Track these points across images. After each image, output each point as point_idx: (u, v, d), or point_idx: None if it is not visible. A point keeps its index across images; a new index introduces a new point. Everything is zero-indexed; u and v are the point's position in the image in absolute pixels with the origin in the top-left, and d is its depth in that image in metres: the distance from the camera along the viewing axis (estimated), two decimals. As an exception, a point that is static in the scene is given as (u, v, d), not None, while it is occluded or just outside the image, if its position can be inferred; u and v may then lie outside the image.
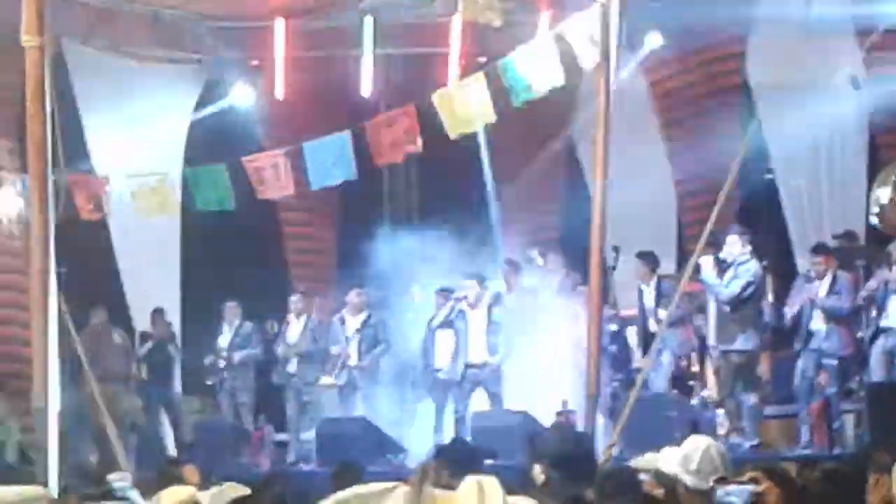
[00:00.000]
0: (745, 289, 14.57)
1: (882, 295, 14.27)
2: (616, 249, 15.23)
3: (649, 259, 15.77)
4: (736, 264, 14.64)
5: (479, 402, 15.93)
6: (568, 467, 7.94)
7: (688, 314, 15.47)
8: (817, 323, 14.56)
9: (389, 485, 6.04)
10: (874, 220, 14.20)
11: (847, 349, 14.50)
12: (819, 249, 14.92)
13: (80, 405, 15.87)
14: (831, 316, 14.51)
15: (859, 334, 14.66)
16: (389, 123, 16.21)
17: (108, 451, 15.08)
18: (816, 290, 14.64)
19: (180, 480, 11.04)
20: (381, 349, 16.67)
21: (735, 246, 14.68)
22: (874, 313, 14.38)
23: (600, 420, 13.76)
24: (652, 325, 15.29)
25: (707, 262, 14.53)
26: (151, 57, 18.11)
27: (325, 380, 16.61)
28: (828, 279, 14.63)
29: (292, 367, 17.00)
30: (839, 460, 13.22)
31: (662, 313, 14.92)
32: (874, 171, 16.87)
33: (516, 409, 15.43)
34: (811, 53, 15.66)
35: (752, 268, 14.66)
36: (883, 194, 13.62)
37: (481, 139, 18.73)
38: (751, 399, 14.65)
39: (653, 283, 15.60)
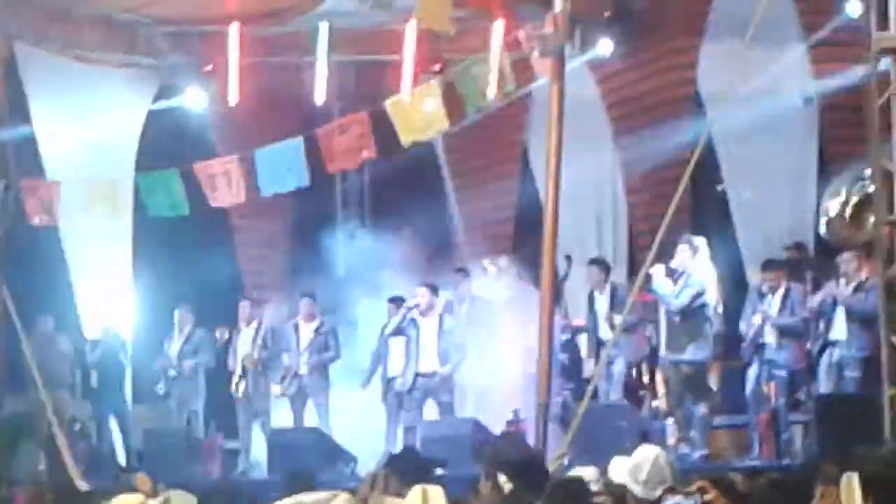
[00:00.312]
0: (694, 298, 14.65)
1: (830, 308, 14.38)
2: (568, 259, 15.28)
3: (602, 266, 15.83)
4: (686, 274, 14.72)
5: (430, 410, 15.95)
6: (520, 477, 7.93)
7: (640, 321, 15.52)
8: (769, 336, 14.67)
9: (330, 493, 6.07)
10: (823, 232, 14.29)
11: (798, 362, 14.63)
12: (770, 266, 15.02)
13: (28, 411, 15.81)
14: (784, 329, 14.63)
15: (808, 346, 14.78)
16: (343, 130, 16.23)
17: (56, 457, 15.03)
18: (768, 306, 14.76)
19: (132, 488, 11.02)
20: (329, 356, 16.64)
21: (685, 255, 14.76)
22: (822, 326, 14.50)
23: (551, 429, 13.78)
24: (603, 332, 15.35)
25: (658, 272, 14.60)
26: (104, 60, 18.01)
27: (275, 389, 16.56)
28: (780, 294, 14.75)
29: (242, 374, 16.93)
30: (787, 471, 13.35)
31: (616, 319, 15.00)
32: (823, 181, 17.00)
33: (466, 418, 15.46)
34: (760, 62, 15.74)
35: (701, 278, 14.74)
36: (832, 206, 13.71)
37: (438, 146, 18.78)
38: (700, 409, 14.72)
39: (606, 289, 15.67)
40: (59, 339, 17.26)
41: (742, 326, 14.97)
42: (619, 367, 15.32)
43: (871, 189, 12.60)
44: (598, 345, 15.51)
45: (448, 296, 16.40)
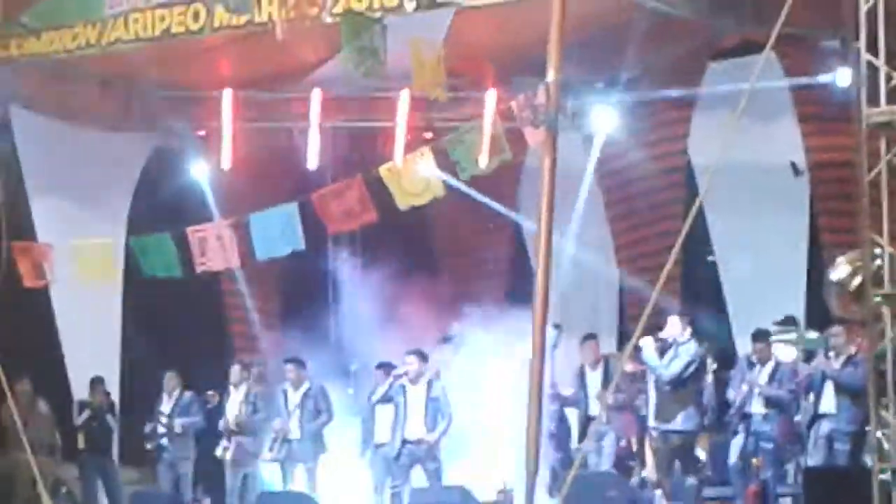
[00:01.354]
0: (685, 369, 14.68)
1: (819, 381, 14.41)
2: (558, 327, 15.27)
3: (596, 342, 15.88)
4: (676, 345, 14.75)
5: (419, 478, 15.92)
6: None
7: (631, 398, 15.54)
8: (756, 406, 14.73)
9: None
10: (831, 303, 14.25)
11: (785, 435, 14.65)
12: (760, 336, 15.11)
13: (11, 473, 15.75)
14: (771, 401, 14.69)
15: (797, 418, 14.81)
16: (338, 194, 16.30)
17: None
18: (757, 376, 14.83)
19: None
20: (323, 420, 16.58)
21: (676, 327, 14.80)
22: (812, 398, 14.53)
23: (540, 498, 13.73)
24: (593, 408, 15.35)
25: (648, 344, 14.63)
26: (98, 123, 18.09)
27: (266, 454, 16.50)
28: (769, 365, 14.84)
29: (230, 438, 16.88)
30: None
31: (608, 399, 15.06)
32: (814, 254, 17.08)
33: (454, 486, 15.44)
34: (752, 135, 15.82)
35: (692, 348, 14.78)
36: (839, 279, 13.74)
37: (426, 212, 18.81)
38: (689, 480, 14.71)
39: (599, 366, 15.71)
40: (38, 401, 17.16)
41: (730, 394, 15.06)
42: (608, 442, 15.33)
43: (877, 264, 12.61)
44: (587, 420, 15.53)
45: (438, 364, 16.39)
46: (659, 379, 14.78)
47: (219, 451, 16.88)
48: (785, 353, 15.08)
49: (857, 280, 12.48)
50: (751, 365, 15.08)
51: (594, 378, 15.66)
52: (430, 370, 16.10)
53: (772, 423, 14.66)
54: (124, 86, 18.02)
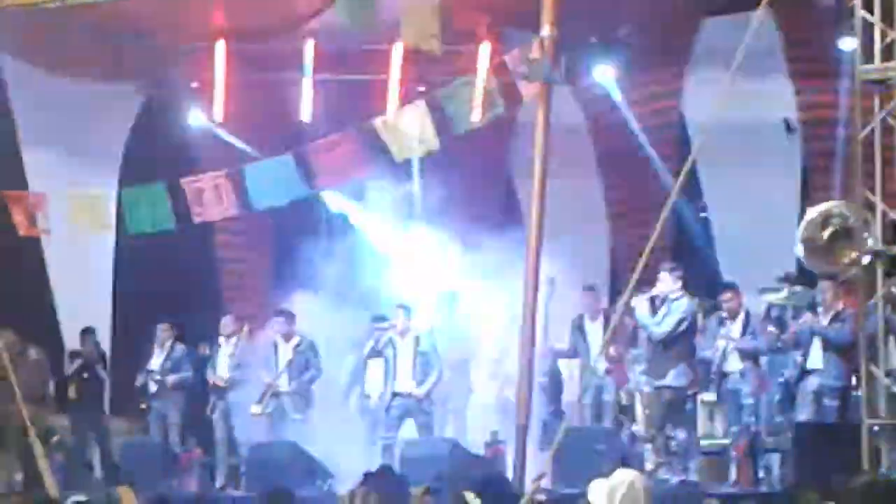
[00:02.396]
0: (677, 325, 14.69)
1: (807, 337, 14.46)
2: (552, 281, 15.29)
3: (595, 293, 15.88)
4: (669, 301, 14.77)
5: (410, 430, 15.99)
6: (488, 498, 8.01)
7: (623, 352, 15.56)
8: (734, 363, 14.81)
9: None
10: (803, 258, 14.31)
11: (761, 389, 14.73)
12: (727, 287, 15.18)
13: (1, 421, 15.77)
14: (746, 357, 14.76)
15: (786, 374, 14.87)
16: (332, 147, 16.27)
17: (33, 468, 14.98)
18: (729, 330, 14.90)
19: (116, 501, 11.05)
20: (310, 375, 16.63)
21: (666, 282, 14.81)
22: (800, 355, 14.58)
23: (531, 451, 13.80)
24: (595, 359, 15.39)
25: (641, 303, 14.67)
26: (90, 74, 18.04)
27: (254, 408, 16.53)
28: (740, 319, 14.90)
29: (221, 390, 16.93)
30: (765, 498, 13.43)
31: (611, 349, 15.13)
32: (806, 211, 17.08)
33: (445, 438, 15.51)
34: (746, 91, 15.81)
35: (684, 304, 14.78)
36: (809, 235, 13.78)
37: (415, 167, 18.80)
38: (680, 435, 14.77)
39: (599, 317, 15.72)
40: (29, 350, 17.15)
41: (706, 352, 15.11)
42: (608, 395, 15.38)
43: (852, 221, 12.62)
44: (583, 373, 15.56)
45: (429, 317, 16.43)
46: (651, 335, 14.82)
47: (208, 410, 16.93)
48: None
49: (827, 232, 12.50)
50: (721, 321, 15.14)
51: (595, 329, 15.67)
52: (419, 324, 16.14)
53: (749, 378, 14.73)
54: (116, 37, 17.93)
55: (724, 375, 14.92)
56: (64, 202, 16.69)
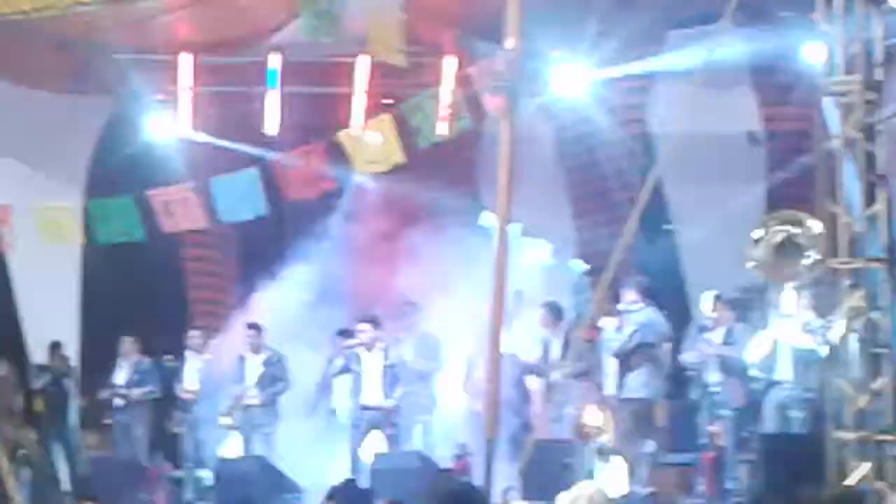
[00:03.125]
0: (630, 338, 14.78)
1: (774, 348, 14.54)
2: (519, 294, 15.33)
3: (554, 309, 15.90)
4: (627, 313, 14.88)
5: (378, 443, 16.00)
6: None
7: (592, 367, 15.59)
8: (713, 375, 14.87)
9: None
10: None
11: (739, 400, 14.79)
12: (715, 300, 15.24)
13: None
14: (726, 366, 14.82)
15: (754, 386, 14.94)
16: (296, 161, 16.31)
17: (-1, 483, 14.93)
18: (710, 339, 14.97)
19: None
20: (280, 387, 16.64)
21: (627, 296, 14.92)
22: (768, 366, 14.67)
23: (499, 464, 13.83)
24: (556, 376, 15.43)
25: (609, 324, 14.78)
26: (56, 87, 17.99)
27: (223, 420, 16.53)
28: (723, 329, 14.98)
29: (189, 404, 16.91)
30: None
31: (568, 366, 15.17)
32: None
33: (413, 451, 15.54)
34: (710, 105, 15.91)
35: (641, 316, 14.87)
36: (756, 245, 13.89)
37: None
38: (647, 447, 14.83)
39: (560, 334, 15.75)
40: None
41: (684, 358, 15.18)
42: (570, 409, 15.42)
43: (798, 231, 12.70)
44: (549, 387, 15.60)
45: (396, 330, 16.44)
46: (613, 354, 14.92)
47: (174, 427, 16.92)
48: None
49: (773, 244, 12.61)
50: (703, 329, 15.23)
51: (555, 345, 15.73)
52: (386, 337, 16.15)
53: (728, 390, 14.80)
54: (82, 49, 17.89)
55: (703, 386, 15.01)
56: (29, 215, 16.68)
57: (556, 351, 15.66)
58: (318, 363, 16.86)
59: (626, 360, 14.89)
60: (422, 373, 16.21)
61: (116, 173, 17.92)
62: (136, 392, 17.05)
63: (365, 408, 15.99)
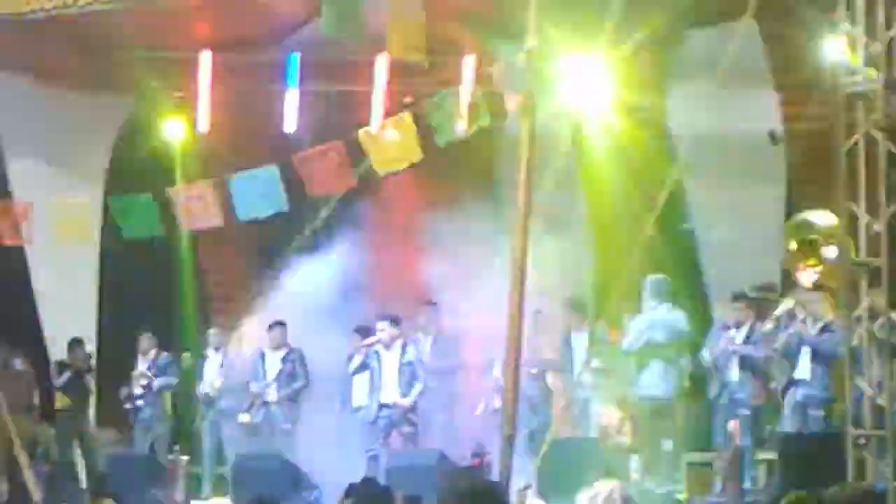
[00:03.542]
0: (639, 335, 14.79)
1: (795, 347, 14.51)
2: (539, 313, 15.32)
3: (579, 307, 15.88)
4: (647, 312, 14.87)
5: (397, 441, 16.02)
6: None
7: (615, 365, 15.56)
8: (733, 373, 14.83)
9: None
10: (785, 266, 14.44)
11: (759, 399, 14.75)
12: (739, 298, 15.21)
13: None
14: (746, 364, 14.78)
15: (773, 384, 14.91)
16: (319, 158, 16.31)
17: (18, 479, 14.98)
18: (733, 337, 14.92)
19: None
20: (299, 384, 16.66)
21: (648, 296, 14.91)
22: (787, 365, 14.64)
23: (517, 462, 13.81)
24: (579, 373, 15.43)
25: (634, 325, 14.79)
26: (75, 85, 18.03)
27: (243, 417, 16.56)
28: (745, 328, 14.93)
29: (210, 400, 16.93)
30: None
31: (594, 363, 15.17)
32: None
33: (431, 449, 15.54)
34: (731, 103, 15.86)
35: (661, 316, 14.88)
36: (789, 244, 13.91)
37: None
38: (666, 445, 14.82)
39: (585, 332, 15.74)
40: (13, 360, 17.12)
41: (705, 356, 15.15)
42: (592, 408, 15.41)
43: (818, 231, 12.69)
44: (571, 385, 15.58)
45: (416, 328, 16.45)
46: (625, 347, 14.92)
47: (196, 421, 16.95)
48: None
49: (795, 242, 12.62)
50: (726, 327, 15.21)
51: (579, 342, 15.70)
52: (404, 334, 16.16)
53: (747, 388, 14.75)
54: (101, 47, 17.92)
55: (724, 385, 14.97)
56: (49, 212, 16.71)
57: (580, 349, 15.64)
58: (338, 360, 16.85)
59: (643, 358, 14.89)
60: (441, 371, 16.21)
61: (136, 171, 17.95)
62: (157, 382, 17.08)
63: (383, 406, 16.01)
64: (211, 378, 16.93)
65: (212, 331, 17.23)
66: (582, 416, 15.42)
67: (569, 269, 17.31)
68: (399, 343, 16.09)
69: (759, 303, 15.38)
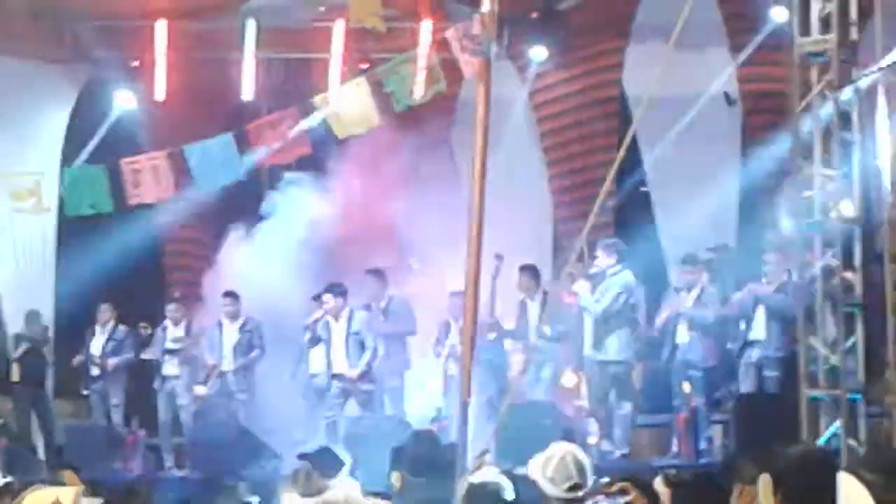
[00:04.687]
0: (615, 300, 14.76)
1: (750, 307, 14.54)
2: (499, 257, 15.31)
3: (532, 272, 15.87)
4: (606, 276, 14.84)
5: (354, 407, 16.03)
6: (427, 474, 8.05)
7: (571, 329, 15.54)
8: (682, 334, 14.84)
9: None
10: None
11: (711, 360, 14.77)
12: (688, 260, 15.21)
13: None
14: (695, 326, 14.77)
15: (728, 345, 14.93)
16: (273, 125, 16.26)
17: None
18: (683, 300, 14.93)
19: (62, 485, 10.95)
20: (255, 355, 16.63)
21: (602, 258, 14.88)
22: (742, 326, 14.67)
23: (476, 427, 13.80)
24: (533, 338, 15.42)
25: (584, 288, 14.75)
26: (30, 54, 17.89)
27: (198, 389, 16.50)
28: (696, 291, 14.93)
29: (168, 370, 16.86)
30: (705, 470, 13.49)
31: (546, 329, 15.16)
32: (746, 184, 17.19)
33: (389, 416, 15.55)
34: (686, 65, 15.85)
35: (622, 279, 14.85)
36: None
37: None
38: (623, 408, 14.85)
39: (538, 297, 15.71)
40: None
41: (657, 321, 15.15)
42: (546, 372, 15.41)
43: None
44: (527, 350, 15.58)
45: (365, 296, 16.41)
46: (593, 316, 14.89)
47: (153, 384, 16.88)
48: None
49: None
50: (677, 291, 15.22)
51: (533, 308, 15.69)
52: (349, 304, 16.13)
53: (698, 349, 14.75)
54: (56, 16, 17.79)
55: (675, 347, 14.97)
56: (4, 182, 16.60)
57: (534, 314, 15.63)
58: (295, 328, 16.82)
59: (605, 322, 14.88)
60: (394, 337, 16.20)
61: (92, 142, 17.83)
62: (111, 360, 17.00)
63: (334, 376, 16.02)
64: (173, 349, 16.83)
65: (170, 306, 17.09)
66: (539, 381, 15.40)
67: (525, 234, 17.34)
68: (346, 313, 16.06)
69: (710, 264, 15.39)
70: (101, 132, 17.83)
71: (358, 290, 16.38)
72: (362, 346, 15.97)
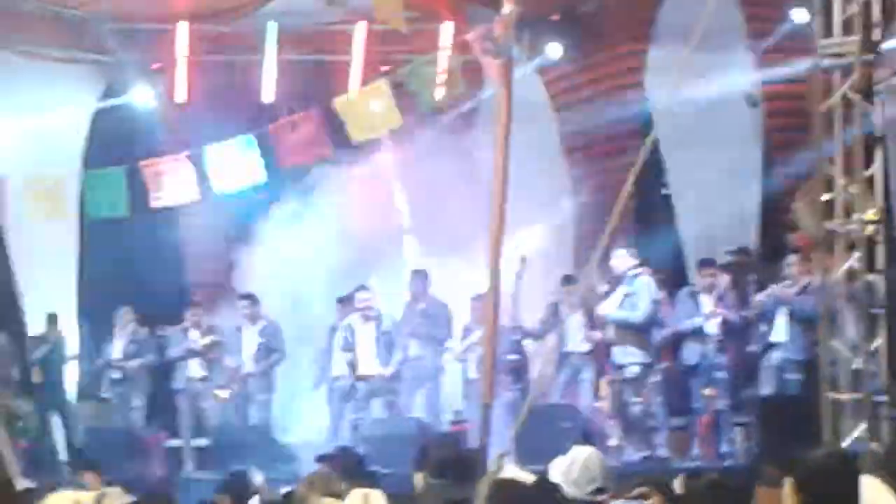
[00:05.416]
0: (655, 308, 14.75)
1: (772, 310, 14.49)
2: (523, 260, 15.27)
3: (575, 284, 15.83)
4: (627, 278, 14.79)
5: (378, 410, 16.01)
6: (448, 475, 8.01)
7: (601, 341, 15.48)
8: (708, 338, 14.79)
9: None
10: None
11: (736, 364, 14.73)
12: (706, 263, 15.17)
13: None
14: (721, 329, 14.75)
15: (750, 348, 14.88)
16: (294, 128, 16.25)
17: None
18: (703, 305, 14.91)
19: (82, 487, 10.99)
20: (275, 358, 16.63)
21: (622, 260, 14.83)
22: (764, 328, 14.62)
23: (496, 429, 13.78)
24: (572, 344, 15.40)
25: (611, 304, 14.73)
26: (51, 57, 17.92)
27: (219, 393, 16.51)
28: (715, 294, 14.89)
29: (190, 373, 16.87)
30: (727, 473, 13.44)
31: (594, 335, 15.16)
32: (768, 187, 17.14)
33: (410, 417, 15.54)
34: (707, 67, 15.81)
35: (652, 285, 14.81)
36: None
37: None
38: (644, 410, 14.80)
39: (575, 302, 15.66)
40: (-6, 335, 17.06)
41: (678, 326, 15.12)
42: (586, 375, 15.38)
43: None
44: (562, 355, 15.53)
45: (401, 297, 16.41)
46: (629, 325, 14.83)
47: (173, 385, 16.89)
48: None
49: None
50: (693, 294, 15.15)
51: (574, 317, 15.56)
52: (382, 304, 16.11)
53: (723, 352, 14.72)
54: (77, 19, 17.82)
55: (700, 350, 14.93)
56: (27, 186, 16.62)
57: (574, 322, 15.53)
58: (318, 330, 16.82)
59: (626, 326, 14.85)
60: (428, 339, 16.17)
61: (113, 144, 17.85)
62: (132, 363, 17.01)
63: (361, 377, 15.98)
64: (195, 350, 16.83)
65: (191, 311, 17.10)
66: (580, 383, 15.37)
67: (550, 236, 17.32)
68: (373, 313, 16.04)
69: (733, 267, 15.34)
70: (123, 135, 17.85)
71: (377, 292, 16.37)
72: (391, 347, 15.94)
